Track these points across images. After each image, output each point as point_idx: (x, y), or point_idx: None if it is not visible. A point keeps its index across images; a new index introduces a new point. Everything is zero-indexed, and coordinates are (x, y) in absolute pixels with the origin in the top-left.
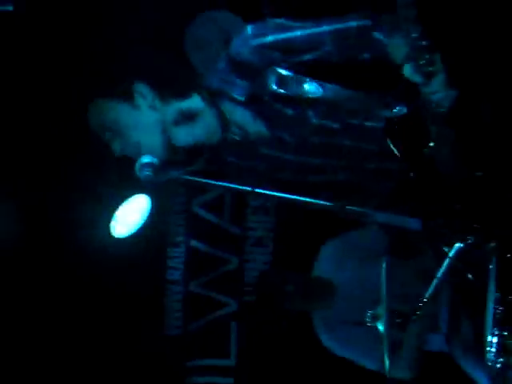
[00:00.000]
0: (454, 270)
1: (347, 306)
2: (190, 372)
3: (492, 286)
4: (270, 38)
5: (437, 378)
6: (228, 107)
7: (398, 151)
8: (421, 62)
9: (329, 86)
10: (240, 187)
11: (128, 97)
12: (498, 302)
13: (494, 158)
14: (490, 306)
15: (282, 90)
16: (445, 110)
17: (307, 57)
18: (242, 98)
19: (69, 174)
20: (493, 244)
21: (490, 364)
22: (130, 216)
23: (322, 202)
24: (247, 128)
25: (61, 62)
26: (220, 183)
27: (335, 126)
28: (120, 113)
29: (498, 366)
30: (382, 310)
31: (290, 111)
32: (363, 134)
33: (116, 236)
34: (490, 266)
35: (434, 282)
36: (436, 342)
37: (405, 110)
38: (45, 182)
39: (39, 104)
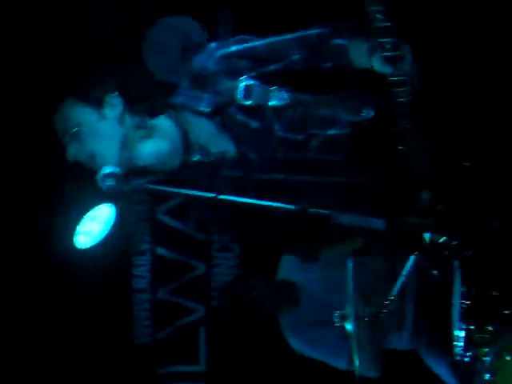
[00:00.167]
0: (419, 267)
1: (313, 308)
2: (161, 379)
3: (457, 282)
4: (234, 48)
5: (404, 375)
6: (193, 122)
7: (366, 156)
8: (387, 47)
9: (295, 93)
10: (203, 194)
11: (98, 105)
12: (463, 296)
13: (464, 154)
14: (457, 301)
15: (247, 101)
16: (412, 102)
17: (272, 67)
18: (207, 110)
19: (31, 184)
20: (456, 241)
21: (458, 358)
22: (94, 226)
23: (285, 206)
24: (210, 148)
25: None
26: (183, 191)
27: (299, 137)
28: (85, 119)
29: (466, 359)
30: (349, 310)
31: (254, 123)
32: (327, 144)
33: (80, 247)
34: (455, 262)
35: (400, 280)
36: (402, 340)
37: (372, 113)
38: (7, 195)
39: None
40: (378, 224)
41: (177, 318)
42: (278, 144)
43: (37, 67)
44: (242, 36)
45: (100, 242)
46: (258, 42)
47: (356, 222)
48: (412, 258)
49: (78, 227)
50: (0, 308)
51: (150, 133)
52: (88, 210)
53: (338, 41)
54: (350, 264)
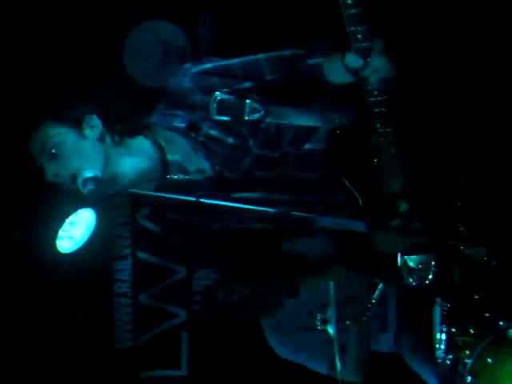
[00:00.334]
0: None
1: (296, 312)
2: None
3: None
4: (208, 65)
5: (387, 378)
6: (169, 141)
7: (343, 172)
8: (358, 37)
9: (269, 106)
10: (184, 198)
11: (77, 126)
12: (445, 299)
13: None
14: (438, 304)
15: (221, 116)
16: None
17: (247, 84)
18: (181, 125)
19: (13, 190)
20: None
21: (439, 361)
22: (75, 231)
23: (267, 210)
24: (187, 166)
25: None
26: (163, 195)
27: (275, 155)
28: (65, 139)
29: (448, 362)
30: (331, 314)
31: (230, 139)
32: (302, 161)
33: (62, 251)
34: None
35: (381, 284)
36: (385, 343)
37: (344, 121)
38: None
39: None
40: (359, 226)
41: (158, 323)
42: (254, 161)
43: (14, 87)
44: (210, 57)
45: (82, 246)
46: (232, 60)
47: (337, 224)
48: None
49: (59, 232)
50: None
51: (129, 151)
52: (69, 215)
53: (313, 60)
54: (331, 269)
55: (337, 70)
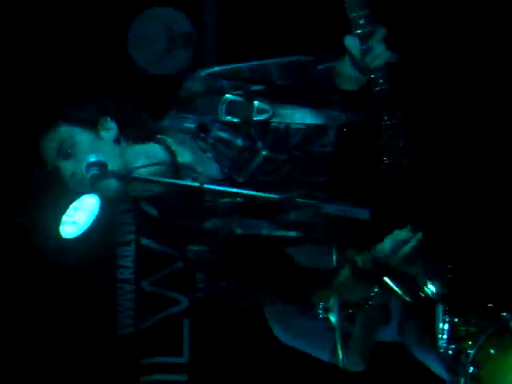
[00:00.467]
0: None
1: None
2: (144, 370)
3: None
4: (217, 68)
5: (391, 367)
6: (178, 143)
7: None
8: (359, 22)
9: (277, 107)
10: (188, 183)
11: (91, 127)
12: (448, 289)
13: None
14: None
15: (230, 118)
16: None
17: (255, 87)
18: (191, 126)
19: (17, 175)
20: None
21: (442, 351)
22: (79, 216)
23: (272, 196)
24: (196, 168)
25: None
26: (168, 180)
27: (283, 157)
28: (81, 139)
29: (450, 352)
30: (333, 302)
31: (239, 141)
32: (310, 164)
33: (65, 237)
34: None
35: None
36: (389, 333)
37: (352, 119)
38: None
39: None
40: (363, 214)
41: (161, 309)
42: (262, 164)
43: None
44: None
45: (85, 232)
46: (241, 64)
47: (341, 211)
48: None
49: (63, 217)
50: None
51: (142, 153)
52: (73, 200)
53: (324, 65)
54: (335, 257)
55: (348, 72)
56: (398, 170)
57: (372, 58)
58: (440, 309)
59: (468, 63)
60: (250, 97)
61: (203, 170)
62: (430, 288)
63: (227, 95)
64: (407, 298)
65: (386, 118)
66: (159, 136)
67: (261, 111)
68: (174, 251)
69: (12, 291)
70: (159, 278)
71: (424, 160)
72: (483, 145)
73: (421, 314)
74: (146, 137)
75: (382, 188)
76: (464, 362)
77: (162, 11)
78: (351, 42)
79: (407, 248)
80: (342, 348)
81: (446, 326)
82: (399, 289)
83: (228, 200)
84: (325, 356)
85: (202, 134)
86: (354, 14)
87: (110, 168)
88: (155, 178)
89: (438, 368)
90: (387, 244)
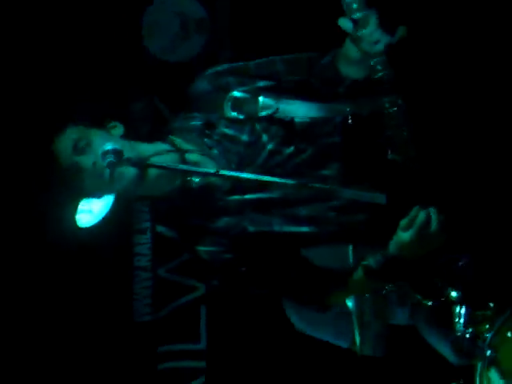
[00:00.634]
0: None
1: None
2: (162, 358)
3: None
4: (224, 66)
5: (404, 351)
6: (186, 142)
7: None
8: (353, 7)
9: (282, 101)
10: (203, 170)
11: (102, 126)
12: (464, 272)
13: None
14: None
15: (235, 113)
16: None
17: (261, 83)
18: (198, 124)
19: (29, 164)
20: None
21: (458, 334)
22: (94, 204)
23: (286, 181)
24: (204, 166)
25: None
26: (183, 167)
27: (289, 150)
28: (96, 134)
29: (467, 336)
30: None
31: (244, 137)
32: (317, 156)
33: (81, 226)
34: None
35: None
36: (402, 317)
37: (357, 111)
38: (7, 175)
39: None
40: (379, 198)
41: (178, 297)
42: (269, 158)
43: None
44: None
45: (101, 220)
46: (248, 62)
47: (357, 196)
48: None
49: (78, 206)
50: (2, 288)
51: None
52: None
53: (326, 59)
54: (351, 257)
55: (351, 55)
56: (405, 161)
57: (370, 44)
58: (456, 292)
59: (473, 47)
60: (255, 93)
61: (211, 167)
62: (452, 293)
63: (233, 92)
64: (426, 302)
65: (387, 106)
66: (169, 137)
67: (265, 107)
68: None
69: (29, 280)
70: (176, 265)
71: (431, 150)
72: (492, 131)
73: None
74: (156, 137)
75: (391, 179)
76: (481, 346)
77: None
78: (346, 24)
79: (433, 226)
80: (359, 334)
81: (463, 310)
82: (416, 290)
83: (238, 197)
84: (343, 343)
85: (207, 132)
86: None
87: (111, 143)
88: (171, 165)
89: (447, 352)
90: (406, 235)
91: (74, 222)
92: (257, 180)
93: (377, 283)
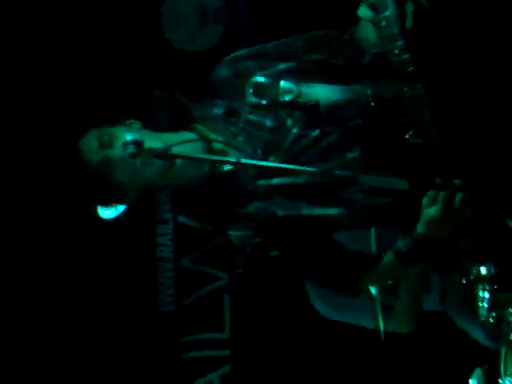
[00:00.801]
0: None
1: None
2: (186, 347)
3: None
4: (242, 52)
5: (433, 336)
6: (211, 130)
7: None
8: None
9: (305, 85)
10: (225, 159)
11: (122, 123)
12: (487, 257)
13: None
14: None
15: (259, 100)
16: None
17: (282, 66)
18: (220, 112)
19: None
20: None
21: (482, 319)
22: None
23: (308, 169)
24: (230, 153)
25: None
26: (204, 156)
27: (314, 134)
28: (118, 129)
29: (491, 320)
30: None
31: (268, 122)
32: (343, 138)
33: (104, 217)
34: None
35: None
36: (430, 302)
37: (378, 93)
38: (28, 167)
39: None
40: (401, 184)
41: (201, 286)
42: (294, 142)
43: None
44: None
45: (123, 211)
46: (266, 44)
47: (379, 183)
48: None
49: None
50: (26, 280)
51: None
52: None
53: (347, 34)
54: (373, 240)
55: (369, 32)
56: (427, 144)
57: (385, 25)
58: (480, 277)
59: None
60: (276, 77)
61: (237, 155)
62: (481, 270)
63: (254, 77)
64: (460, 279)
65: (406, 89)
66: (194, 125)
67: (287, 91)
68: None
69: (53, 274)
70: (198, 254)
71: (453, 133)
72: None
73: (462, 283)
74: (179, 126)
75: (413, 162)
76: (505, 330)
77: None
78: (365, 12)
79: (457, 199)
80: (382, 318)
81: (486, 294)
82: (448, 267)
83: (264, 182)
84: (370, 324)
85: (231, 119)
86: None
87: (131, 133)
88: (195, 155)
89: (480, 336)
90: (431, 210)
91: (97, 213)
92: (279, 168)
93: (409, 266)
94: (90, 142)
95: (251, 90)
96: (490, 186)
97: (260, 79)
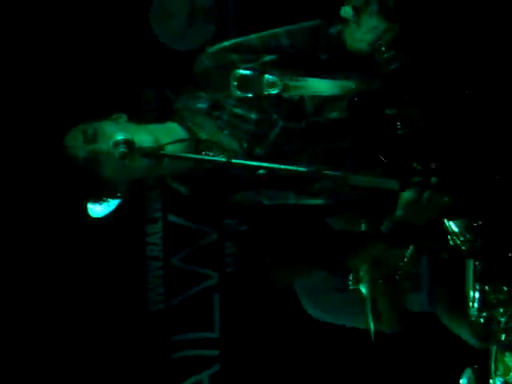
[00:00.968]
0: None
1: (328, 273)
2: (176, 346)
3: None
4: (226, 43)
5: (420, 337)
6: (196, 123)
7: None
8: None
9: (289, 78)
10: (215, 159)
11: (108, 117)
12: (478, 257)
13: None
14: (471, 262)
15: (242, 92)
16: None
17: (266, 58)
18: (204, 106)
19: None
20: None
21: (473, 319)
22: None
23: (299, 169)
24: (216, 146)
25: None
26: (196, 156)
27: (301, 126)
28: (103, 123)
29: (481, 320)
30: (363, 273)
31: (253, 115)
32: (331, 130)
33: (93, 216)
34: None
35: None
36: (418, 303)
37: (364, 87)
38: (21, 167)
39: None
40: (392, 184)
41: (191, 285)
42: (281, 134)
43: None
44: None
45: (113, 210)
46: (249, 37)
47: (369, 183)
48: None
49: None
50: (16, 280)
51: (162, 131)
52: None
53: (334, 29)
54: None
55: (355, 38)
56: (415, 135)
57: (367, 31)
58: (470, 277)
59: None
60: (261, 69)
61: (223, 148)
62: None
63: (238, 70)
64: (442, 254)
65: (392, 83)
66: (175, 117)
67: (271, 85)
68: (205, 226)
69: (43, 272)
70: (188, 253)
71: (441, 122)
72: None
73: (450, 282)
74: (162, 118)
75: (402, 153)
76: (495, 330)
77: None
78: (345, 11)
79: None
80: (373, 319)
81: (477, 294)
82: (433, 244)
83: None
84: (360, 324)
85: (216, 113)
86: None
87: (122, 133)
88: (183, 155)
89: (468, 336)
90: (406, 194)
91: (87, 212)
92: (268, 168)
93: (390, 247)
94: (75, 137)
95: (235, 83)
96: (473, 175)
97: (244, 72)
